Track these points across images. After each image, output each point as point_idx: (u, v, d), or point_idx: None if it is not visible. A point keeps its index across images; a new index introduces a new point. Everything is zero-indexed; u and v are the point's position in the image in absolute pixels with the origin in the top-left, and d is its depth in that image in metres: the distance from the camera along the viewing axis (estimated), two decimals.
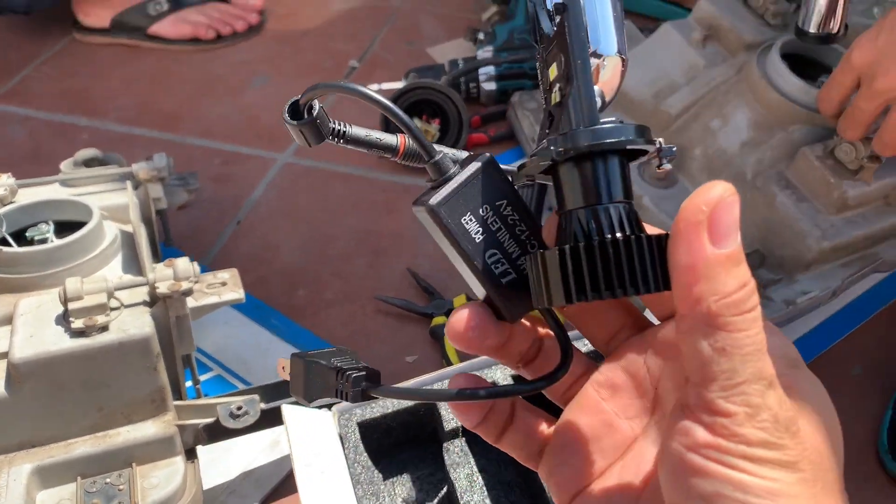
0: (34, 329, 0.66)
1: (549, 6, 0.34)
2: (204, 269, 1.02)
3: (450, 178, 0.34)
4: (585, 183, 0.31)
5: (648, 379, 0.35)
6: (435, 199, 0.33)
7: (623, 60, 0.34)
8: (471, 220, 0.34)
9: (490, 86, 1.30)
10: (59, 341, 0.65)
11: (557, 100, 0.33)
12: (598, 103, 0.32)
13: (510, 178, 0.35)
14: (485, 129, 1.26)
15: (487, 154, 0.35)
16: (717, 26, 1.00)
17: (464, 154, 0.36)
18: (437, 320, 0.95)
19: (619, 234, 0.30)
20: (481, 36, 1.39)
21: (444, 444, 0.68)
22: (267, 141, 1.28)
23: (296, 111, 0.33)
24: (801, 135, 0.90)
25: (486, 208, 0.34)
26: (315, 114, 0.33)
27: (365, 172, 1.21)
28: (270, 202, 1.17)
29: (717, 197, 0.27)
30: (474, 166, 0.34)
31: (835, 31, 0.85)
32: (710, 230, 0.27)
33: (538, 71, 0.35)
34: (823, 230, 0.84)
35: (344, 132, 0.35)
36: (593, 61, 0.33)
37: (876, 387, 0.88)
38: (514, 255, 0.34)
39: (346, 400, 0.36)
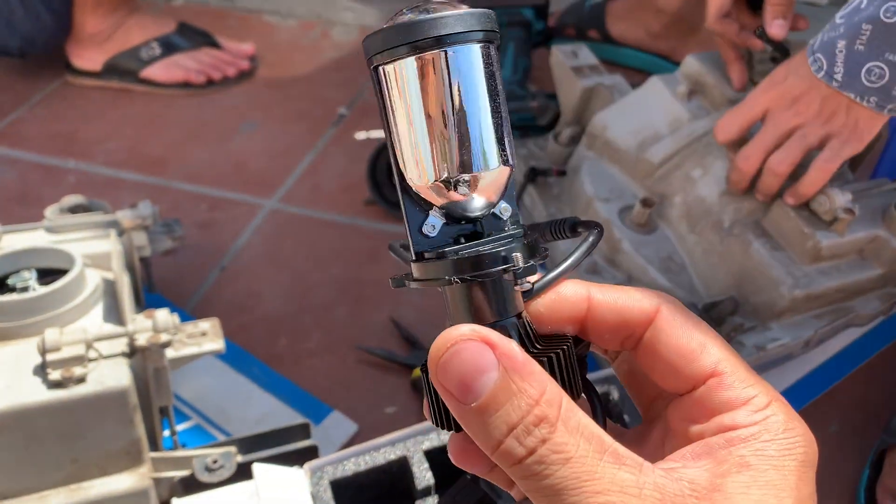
0: (11, 379, 0.66)
1: None
2: (186, 316, 1.03)
3: None
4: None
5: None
6: None
7: (510, 167, 0.33)
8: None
9: None
10: (36, 392, 0.65)
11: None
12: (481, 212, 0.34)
13: None
14: None
15: None
16: (702, 82, 1.02)
17: None
18: (419, 372, 0.95)
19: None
20: None
21: (417, 502, 0.67)
22: (254, 187, 1.29)
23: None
24: None
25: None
26: None
27: (350, 220, 1.22)
28: (255, 249, 1.17)
29: (445, 353, 0.28)
30: None
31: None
32: (456, 390, 0.28)
33: None
34: (796, 279, 0.85)
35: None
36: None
37: (853, 445, 0.88)
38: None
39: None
